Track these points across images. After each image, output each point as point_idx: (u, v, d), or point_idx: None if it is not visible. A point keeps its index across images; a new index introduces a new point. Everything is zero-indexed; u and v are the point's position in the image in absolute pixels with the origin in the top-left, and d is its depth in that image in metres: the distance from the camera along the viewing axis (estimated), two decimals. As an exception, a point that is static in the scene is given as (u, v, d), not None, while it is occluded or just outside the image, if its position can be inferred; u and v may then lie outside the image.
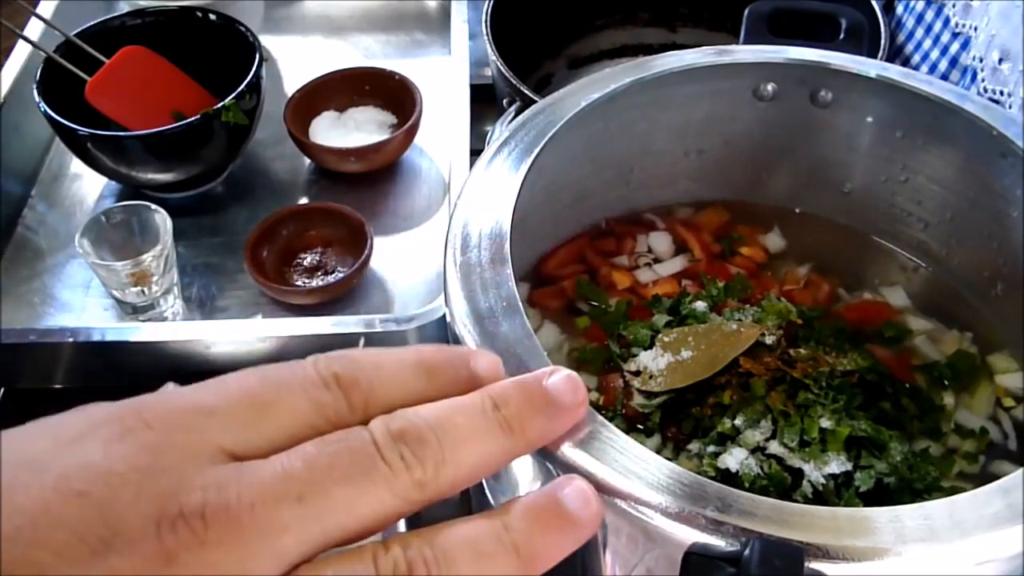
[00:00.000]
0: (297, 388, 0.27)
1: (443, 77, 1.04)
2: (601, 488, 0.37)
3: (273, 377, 0.27)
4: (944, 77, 0.83)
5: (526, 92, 0.81)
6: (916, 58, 0.88)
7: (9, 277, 0.87)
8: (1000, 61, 0.75)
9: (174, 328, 0.79)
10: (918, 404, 0.55)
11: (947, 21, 0.83)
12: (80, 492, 0.23)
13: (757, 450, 0.48)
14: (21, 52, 0.97)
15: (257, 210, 0.92)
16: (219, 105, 0.86)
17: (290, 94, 0.97)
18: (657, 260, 0.65)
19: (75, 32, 0.91)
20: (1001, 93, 0.76)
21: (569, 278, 0.62)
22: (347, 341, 0.76)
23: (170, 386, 0.27)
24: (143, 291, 0.80)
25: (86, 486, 0.23)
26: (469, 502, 0.77)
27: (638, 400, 0.52)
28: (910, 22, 0.89)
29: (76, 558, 0.22)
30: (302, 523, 0.24)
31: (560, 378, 0.31)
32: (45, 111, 0.85)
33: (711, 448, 0.49)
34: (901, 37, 0.91)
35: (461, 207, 0.50)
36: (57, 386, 0.79)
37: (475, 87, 0.96)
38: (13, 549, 0.21)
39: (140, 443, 0.24)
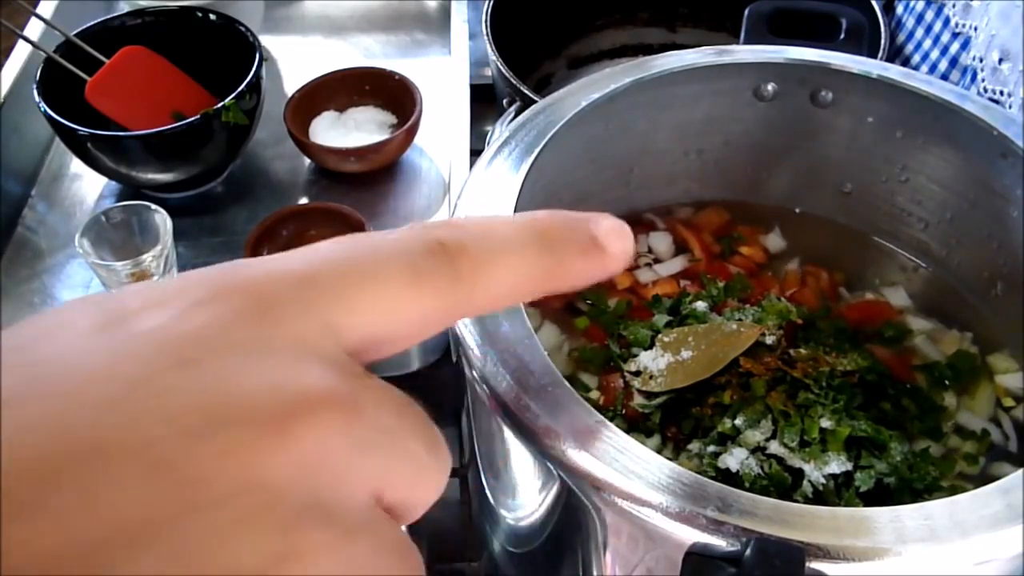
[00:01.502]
0: (398, 254, 0.25)
1: (443, 77, 1.04)
2: (601, 488, 0.37)
3: (371, 243, 0.25)
4: (944, 77, 0.83)
5: (526, 92, 0.81)
6: (916, 58, 0.88)
7: (9, 277, 0.87)
8: (1000, 61, 0.75)
9: (174, 328, 0.79)
10: (918, 404, 0.55)
11: (947, 21, 0.83)
12: (188, 360, 0.20)
13: (757, 450, 0.48)
14: (21, 52, 0.97)
15: (257, 210, 0.92)
16: (219, 105, 0.86)
17: (290, 94, 0.96)
18: (657, 260, 0.65)
19: (75, 32, 0.91)
20: (1001, 93, 0.76)
21: (569, 278, 0.62)
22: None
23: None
24: (143, 291, 0.80)
25: (194, 355, 0.20)
26: (469, 502, 0.77)
27: (638, 400, 0.52)
28: (910, 22, 0.89)
29: (190, 428, 0.19)
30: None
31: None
32: (45, 111, 0.85)
33: (711, 448, 0.49)
34: (901, 37, 0.91)
35: (461, 207, 0.50)
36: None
37: (475, 87, 0.96)
38: (115, 418, 0.19)
39: (248, 315, 0.22)
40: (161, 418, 0.19)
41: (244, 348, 0.21)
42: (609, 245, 0.29)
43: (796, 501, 0.46)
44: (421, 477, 0.23)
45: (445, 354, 0.78)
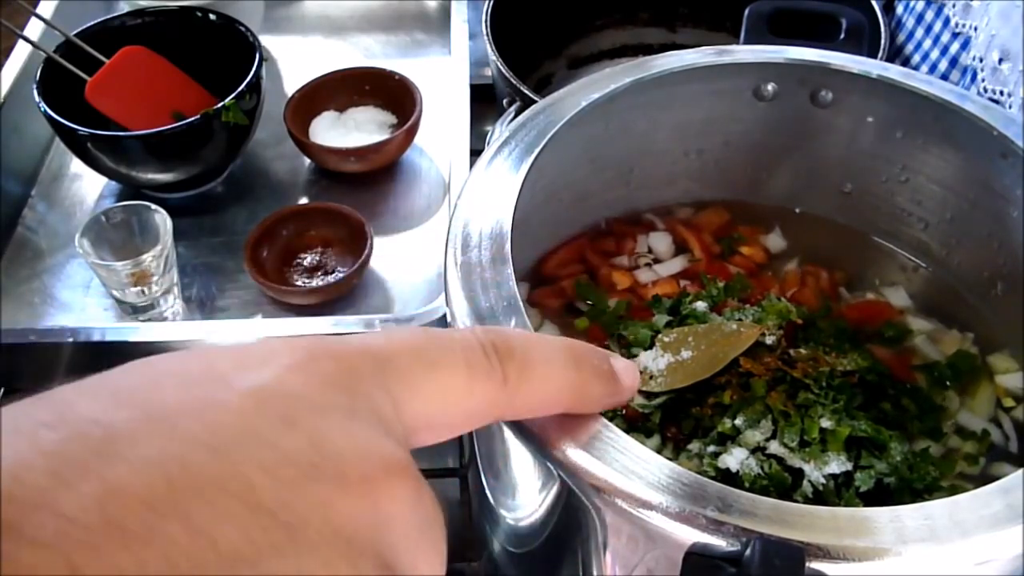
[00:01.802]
0: (458, 350, 0.28)
1: (443, 77, 1.04)
2: (602, 488, 0.37)
3: (437, 338, 0.28)
4: (944, 77, 0.83)
5: (526, 92, 0.81)
6: (916, 58, 0.88)
7: (9, 277, 0.87)
8: (1000, 61, 0.75)
9: (174, 328, 0.79)
10: (918, 404, 0.55)
11: (947, 21, 0.83)
12: (287, 419, 0.22)
13: (757, 450, 0.48)
14: (21, 52, 0.97)
15: (257, 210, 0.92)
16: (219, 105, 0.86)
17: (290, 94, 0.97)
18: (657, 260, 0.65)
19: (75, 32, 0.91)
20: (1001, 93, 0.76)
21: (569, 278, 0.62)
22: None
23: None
24: (143, 291, 0.80)
25: (292, 415, 0.22)
26: (469, 502, 0.77)
27: (638, 400, 0.51)
28: (910, 22, 0.89)
29: (286, 479, 0.21)
30: None
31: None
32: (45, 111, 0.85)
33: (711, 448, 0.49)
34: (901, 37, 0.91)
35: (461, 207, 0.50)
36: (57, 386, 0.79)
37: (475, 87, 0.96)
38: (220, 464, 0.21)
39: (333, 381, 0.24)
40: (263, 467, 0.21)
41: (334, 412, 0.23)
42: (623, 378, 0.35)
43: (796, 501, 0.46)
44: (439, 566, 0.25)
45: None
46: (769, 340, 0.53)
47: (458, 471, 0.78)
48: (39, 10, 0.99)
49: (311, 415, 0.23)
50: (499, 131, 0.74)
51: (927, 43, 0.86)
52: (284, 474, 0.21)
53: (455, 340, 0.28)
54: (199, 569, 0.19)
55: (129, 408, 0.21)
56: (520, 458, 0.42)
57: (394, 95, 0.99)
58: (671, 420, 0.51)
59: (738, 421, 0.49)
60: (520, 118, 0.55)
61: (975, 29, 0.79)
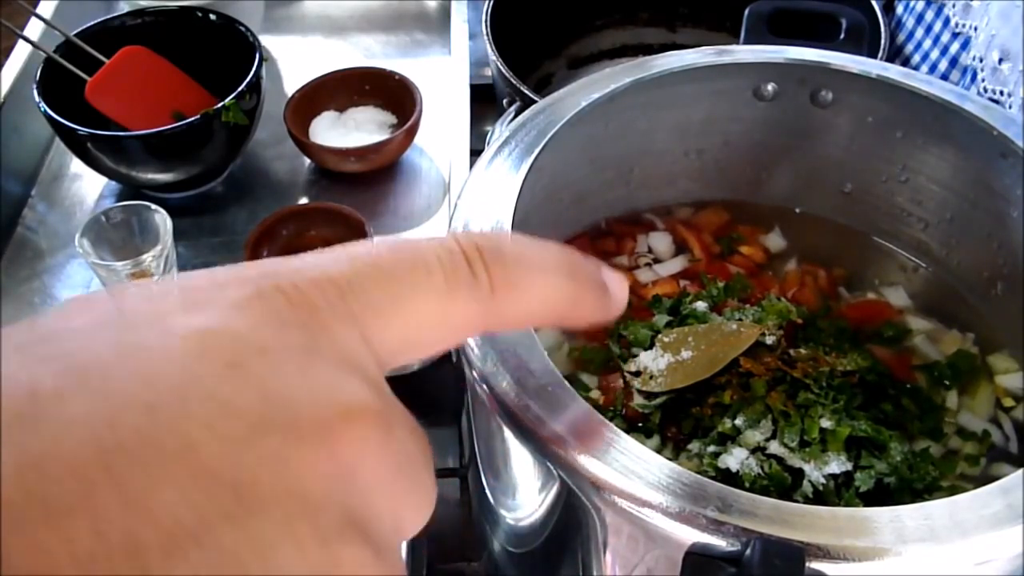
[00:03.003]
0: (434, 262, 0.25)
1: (443, 77, 1.04)
2: (601, 488, 0.37)
3: (409, 250, 0.25)
4: (944, 77, 0.83)
5: (526, 92, 0.81)
6: (916, 58, 0.88)
7: (9, 277, 0.87)
8: (1000, 61, 0.75)
9: (174, 328, 0.79)
10: (918, 404, 0.55)
11: (947, 21, 0.83)
12: (232, 363, 0.20)
13: (757, 450, 0.48)
14: (21, 52, 0.97)
15: (257, 210, 0.92)
16: (219, 105, 0.86)
17: (290, 94, 0.97)
18: (657, 260, 0.65)
19: (75, 32, 0.91)
20: (1001, 93, 0.76)
21: (569, 278, 0.62)
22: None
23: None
24: (143, 291, 0.80)
25: (238, 358, 0.20)
26: (469, 502, 0.77)
27: (638, 400, 0.52)
28: (910, 22, 0.89)
29: (232, 434, 0.19)
30: None
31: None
32: (45, 111, 0.85)
33: (711, 448, 0.49)
34: (901, 37, 0.91)
35: (461, 207, 0.50)
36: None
37: (475, 87, 0.96)
38: (156, 420, 0.18)
39: (285, 318, 0.21)
40: (204, 423, 0.19)
41: (287, 353, 0.21)
42: (615, 291, 0.32)
43: (796, 501, 0.46)
44: (427, 505, 0.23)
45: (445, 354, 0.78)
46: (769, 340, 0.53)
47: (458, 471, 0.78)
48: (39, 10, 0.99)
49: (260, 359, 0.20)
50: (499, 131, 0.74)
51: (927, 43, 0.86)
52: (229, 429, 0.19)
53: (431, 251, 0.25)
54: (136, 545, 0.17)
55: (56, 361, 0.19)
56: (520, 458, 0.42)
57: (394, 95, 0.99)
58: (671, 420, 0.51)
59: (738, 421, 0.49)
60: (520, 118, 0.55)
61: (975, 29, 0.79)
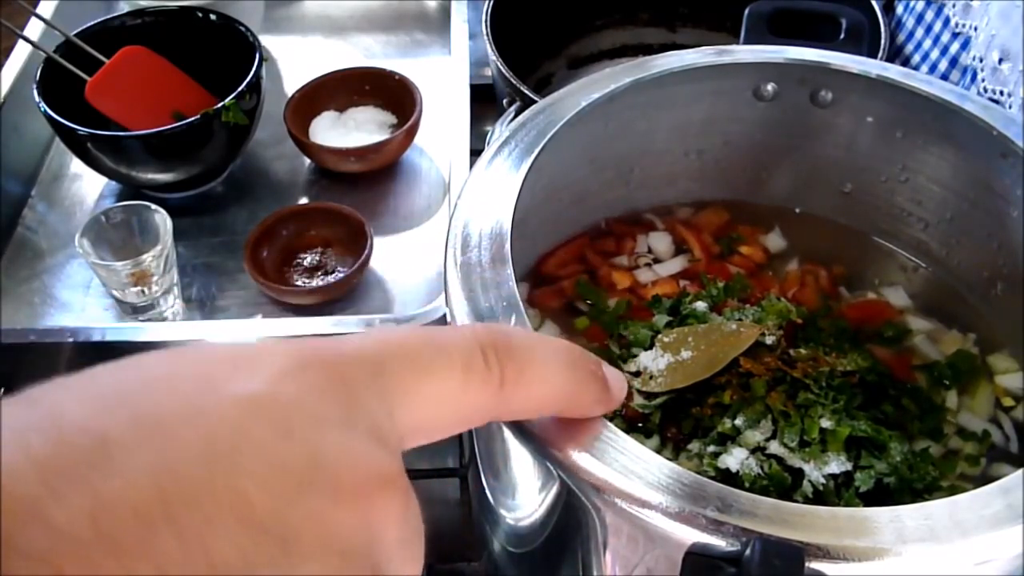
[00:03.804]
0: (455, 353, 0.28)
1: (443, 77, 1.04)
2: (601, 488, 0.37)
3: (434, 339, 0.28)
4: (944, 77, 0.83)
5: (526, 92, 0.81)
6: (916, 58, 0.88)
7: (9, 277, 0.87)
8: (1000, 61, 0.75)
9: (174, 328, 0.79)
10: (919, 404, 0.55)
11: (947, 21, 0.83)
12: (282, 430, 0.22)
13: (757, 450, 0.48)
14: (21, 52, 0.97)
15: (257, 210, 0.92)
16: (219, 105, 0.86)
17: (290, 94, 0.97)
18: (657, 260, 0.65)
19: (75, 32, 0.91)
20: (1001, 93, 0.76)
21: (569, 278, 0.62)
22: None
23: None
24: (143, 291, 0.80)
25: (288, 425, 0.22)
26: (469, 502, 0.77)
27: (638, 400, 0.51)
28: (910, 22, 0.89)
29: (280, 491, 0.21)
30: None
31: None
32: (45, 111, 0.85)
33: (711, 448, 0.49)
34: (901, 37, 0.91)
35: (461, 207, 0.50)
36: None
37: (475, 87, 0.96)
38: (214, 475, 0.20)
39: (326, 389, 0.24)
40: (257, 479, 0.21)
41: (330, 422, 0.23)
42: (614, 387, 0.35)
43: (796, 501, 0.46)
44: (420, 569, 0.25)
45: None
46: (769, 340, 0.53)
47: (458, 471, 0.78)
48: (39, 10, 0.99)
49: (306, 425, 0.23)
50: (499, 131, 0.74)
51: (927, 43, 0.86)
52: (278, 486, 0.21)
53: (453, 341, 0.28)
54: None
55: (120, 414, 0.21)
56: (520, 458, 0.42)
57: (394, 95, 0.99)
58: (671, 420, 0.51)
59: (738, 421, 0.49)
60: (520, 118, 0.55)
61: (975, 29, 0.79)
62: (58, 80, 0.88)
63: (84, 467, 0.19)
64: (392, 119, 0.99)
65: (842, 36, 0.68)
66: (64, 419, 0.20)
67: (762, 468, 0.47)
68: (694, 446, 0.50)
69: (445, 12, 1.12)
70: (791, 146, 0.65)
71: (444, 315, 0.47)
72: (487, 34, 0.88)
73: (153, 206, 0.81)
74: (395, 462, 0.24)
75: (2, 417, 0.20)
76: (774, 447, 0.48)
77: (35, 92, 0.86)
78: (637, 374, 0.52)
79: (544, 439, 0.38)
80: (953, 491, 0.49)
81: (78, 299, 0.86)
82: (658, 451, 0.48)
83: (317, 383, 0.24)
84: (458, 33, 1.01)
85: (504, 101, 0.85)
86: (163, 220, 0.80)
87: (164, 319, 0.83)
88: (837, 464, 0.47)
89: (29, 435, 0.19)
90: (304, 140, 0.93)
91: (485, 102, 0.96)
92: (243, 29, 0.93)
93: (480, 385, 0.28)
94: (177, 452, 0.20)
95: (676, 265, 0.64)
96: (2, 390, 0.80)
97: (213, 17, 0.95)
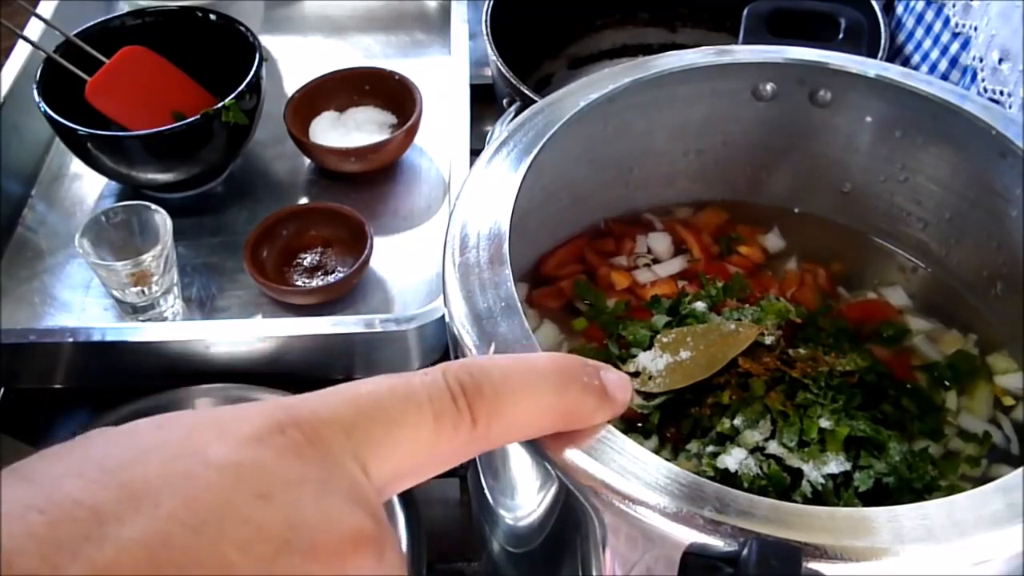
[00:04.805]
0: (424, 401, 0.29)
1: (443, 77, 1.04)
2: (600, 489, 0.37)
3: (402, 389, 0.29)
4: (944, 77, 0.83)
5: (526, 92, 0.81)
6: (916, 58, 0.88)
7: (9, 277, 0.87)
8: (1000, 61, 0.75)
9: (174, 328, 0.79)
10: (918, 404, 0.55)
11: (947, 21, 0.83)
12: (262, 495, 0.23)
13: (756, 450, 0.48)
14: (21, 52, 0.97)
15: (257, 210, 0.93)
16: (219, 105, 0.86)
17: (290, 94, 0.97)
18: (656, 260, 0.65)
19: (75, 32, 0.91)
20: (1001, 93, 0.76)
21: (568, 278, 0.62)
22: (347, 341, 0.76)
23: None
24: (143, 291, 0.80)
25: (267, 490, 0.24)
26: (469, 502, 0.77)
27: (637, 401, 0.51)
28: (910, 22, 0.89)
29: (261, 555, 0.23)
30: None
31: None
32: (45, 111, 0.85)
33: (710, 448, 0.49)
34: (901, 37, 0.91)
35: (460, 207, 0.50)
36: (57, 386, 0.79)
37: (475, 87, 0.96)
38: (200, 542, 0.22)
39: (302, 453, 0.25)
40: (238, 544, 0.22)
41: (307, 485, 0.25)
42: (615, 393, 0.35)
43: (795, 501, 0.46)
44: None
45: (444, 354, 0.78)
46: (768, 340, 0.53)
47: (458, 471, 0.78)
48: (39, 10, 0.99)
49: (284, 490, 0.24)
50: (499, 131, 0.74)
51: (927, 43, 0.86)
52: (258, 550, 0.23)
53: (420, 390, 0.29)
54: None
55: (113, 487, 0.22)
56: (519, 459, 0.42)
57: (394, 95, 0.99)
58: (670, 420, 0.51)
59: (737, 421, 0.49)
60: (520, 118, 0.55)
61: (975, 29, 0.79)
62: (58, 80, 0.88)
63: (80, 540, 0.21)
64: (392, 119, 0.99)
65: (841, 36, 0.68)
66: (60, 494, 0.22)
67: (761, 468, 0.47)
68: (693, 446, 0.50)
69: (445, 12, 1.12)
70: (790, 146, 0.65)
71: (443, 315, 0.47)
72: (487, 34, 0.88)
73: (153, 206, 0.81)
74: (369, 519, 0.25)
75: (2, 498, 0.21)
76: (773, 447, 0.48)
77: (35, 92, 0.86)
78: (636, 374, 0.52)
79: (543, 440, 0.38)
80: (952, 491, 0.49)
81: (78, 299, 0.86)
82: (657, 451, 0.49)
83: (294, 447, 0.25)
84: (458, 33, 1.02)
85: (504, 101, 0.85)
86: (163, 220, 0.80)
87: (164, 319, 0.83)
88: (836, 464, 0.47)
89: (28, 512, 0.21)
90: (304, 140, 0.93)
91: (485, 102, 0.96)
92: (243, 29, 0.93)
93: (452, 429, 0.29)
94: (166, 521, 0.22)
95: (675, 265, 0.64)
96: (2, 390, 0.80)
97: (213, 17, 0.95)
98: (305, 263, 0.87)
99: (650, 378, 0.51)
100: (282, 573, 0.23)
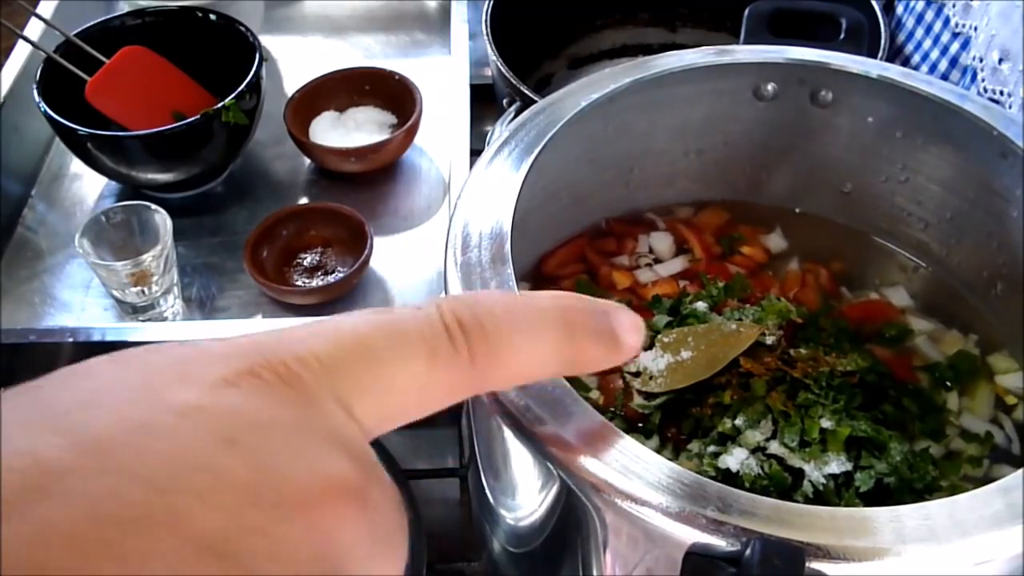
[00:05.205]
0: (415, 337, 0.26)
1: (443, 77, 1.04)
2: (601, 488, 0.37)
3: (391, 325, 0.26)
4: (944, 77, 0.83)
5: (526, 92, 0.81)
6: (916, 58, 0.88)
7: (9, 277, 0.87)
8: (1000, 61, 0.75)
9: (174, 328, 0.79)
10: (919, 404, 0.55)
11: (947, 21, 0.83)
12: (226, 439, 0.21)
13: (757, 450, 0.48)
14: (21, 52, 0.97)
15: (257, 210, 0.92)
16: (219, 105, 0.86)
17: (290, 94, 0.97)
18: (657, 260, 0.65)
19: (75, 32, 0.91)
20: (1001, 93, 0.76)
21: (569, 278, 0.62)
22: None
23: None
24: (143, 291, 0.80)
25: (232, 434, 0.21)
26: (469, 502, 0.77)
27: (638, 401, 0.52)
28: (910, 22, 0.89)
29: (223, 506, 0.20)
30: None
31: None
32: (45, 111, 0.85)
33: (711, 448, 0.49)
34: (901, 37, 0.91)
35: (461, 207, 0.50)
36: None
37: (475, 87, 0.96)
38: (153, 494, 0.20)
39: (275, 395, 0.23)
40: (199, 495, 0.20)
41: (277, 430, 0.22)
42: (626, 339, 0.31)
43: (796, 501, 0.46)
44: (400, 558, 0.24)
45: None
46: (769, 340, 0.53)
47: (458, 471, 0.78)
48: (39, 10, 0.99)
49: (251, 434, 0.21)
50: (499, 131, 0.74)
51: (927, 43, 0.86)
52: (221, 501, 0.20)
53: (412, 325, 0.26)
54: None
55: (58, 434, 0.20)
56: (520, 458, 0.42)
57: (394, 95, 0.99)
58: (671, 420, 0.51)
59: (738, 421, 0.49)
60: (520, 118, 0.55)
61: (975, 29, 0.79)
62: (58, 80, 0.88)
63: (18, 494, 0.19)
64: (392, 119, 0.99)
65: (842, 36, 0.68)
66: (3, 445, 0.19)
67: (762, 468, 0.47)
68: (694, 446, 0.50)
69: (445, 12, 1.12)
70: (791, 146, 0.65)
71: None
72: (487, 34, 0.88)
73: (153, 206, 0.81)
74: (349, 463, 0.23)
75: None
76: (774, 447, 0.48)
77: (35, 92, 0.86)
78: (637, 374, 0.52)
79: (544, 439, 0.38)
80: (953, 491, 0.49)
81: (78, 299, 0.86)
82: (658, 451, 0.48)
83: (265, 388, 0.23)
84: (458, 33, 1.01)
85: (504, 101, 0.85)
86: (163, 220, 0.80)
87: (164, 319, 0.83)
88: (837, 464, 0.47)
89: None
90: (304, 140, 0.93)
91: (485, 102, 0.96)
92: (243, 29, 0.93)
93: (447, 368, 0.26)
94: (116, 474, 0.20)
95: (676, 265, 0.64)
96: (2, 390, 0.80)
97: (213, 17, 0.95)
98: (305, 263, 0.87)
99: (651, 378, 0.51)
100: (246, 526, 0.20)
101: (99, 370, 0.23)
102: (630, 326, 0.31)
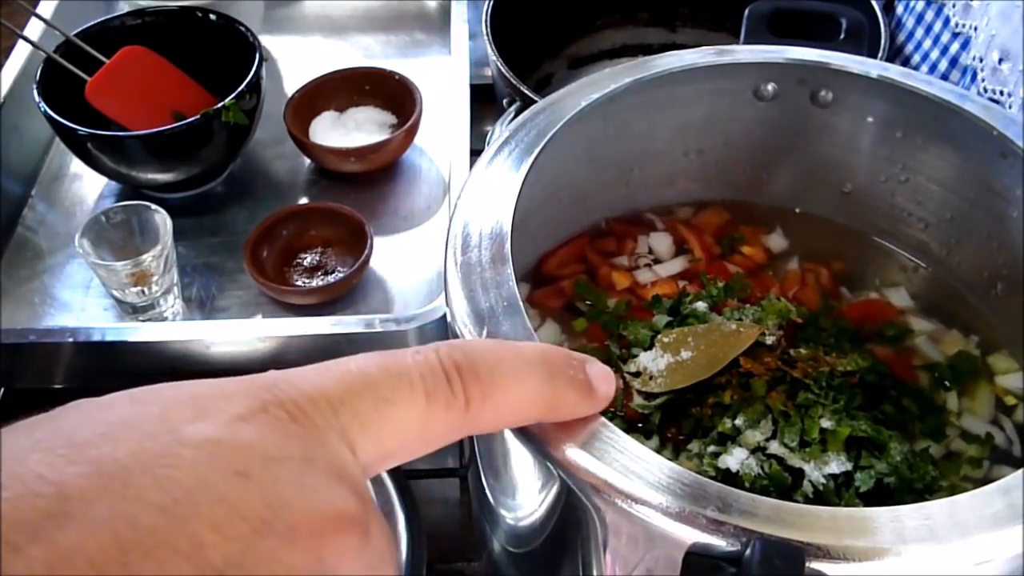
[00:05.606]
0: (416, 380, 0.28)
1: (443, 77, 1.04)
2: (601, 488, 0.37)
3: (394, 366, 0.28)
4: (944, 77, 0.83)
5: (526, 92, 0.81)
6: (916, 58, 0.88)
7: (9, 277, 0.87)
8: (1000, 61, 0.75)
9: (174, 328, 0.79)
10: (919, 404, 0.55)
11: (947, 21, 0.83)
12: (240, 472, 0.22)
13: (757, 450, 0.48)
14: (21, 52, 0.97)
15: (257, 210, 0.93)
16: (219, 105, 0.86)
17: (290, 94, 0.97)
18: (657, 260, 0.65)
19: (75, 32, 0.91)
20: (1001, 93, 0.76)
21: (569, 278, 0.62)
22: (347, 341, 0.76)
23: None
24: (143, 291, 0.80)
25: (245, 467, 0.23)
26: (469, 502, 0.77)
27: (638, 401, 0.51)
28: (910, 22, 0.89)
29: (236, 535, 0.22)
30: None
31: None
32: (45, 111, 0.85)
33: (711, 448, 0.49)
34: (901, 37, 0.91)
35: (461, 207, 0.50)
36: (57, 386, 0.79)
37: (475, 87, 0.96)
38: (170, 522, 0.21)
39: (286, 431, 0.24)
40: (213, 524, 0.21)
41: (288, 463, 0.24)
42: (599, 387, 0.35)
43: (796, 501, 0.46)
44: None
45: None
46: (769, 340, 0.53)
47: (458, 471, 0.78)
48: (39, 10, 0.99)
49: (264, 467, 0.23)
50: (499, 131, 0.74)
51: (927, 43, 0.86)
52: (234, 530, 0.22)
53: (413, 368, 0.28)
54: None
55: (81, 464, 0.21)
56: (520, 458, 0.42)
57: (394, 95, 0.99)
58: (671, 420, 0.51)
59: (738, 421, 0.49)
60: (520, 118, 0.55)
61: (975, 29, 0.79)
62: (58, 80, 0.88)
63: (43, 519, 0.20)
64: (392, 119, 0.99)
65: (842, 36, 0.68)
66: (25, 469, 0.21)
67: (762, 468, 0.47)
68: (694, 446, 0.50)
69: (445, 12, 1.12)
70: (791, 146, 0.65)
71: (444, 315, 0.47)
72: (487, 34, 0.88)
73: (153, 206, 0.81)
74: (353, 499, 0.25)
75: None
76: (774, 447, 0.48)
77: (35, 92, 0.86)
78: (637, 374, 0.52)
79: (544, 439, 0.38)
80: (953, 491, 0.49)
81: (78, 299, 0.86)
82: (658, 451, 0.48)
83: (276, 424, 0.24)
84: (458, 33, 1.01)
85: (504, 101, 0.85)
86: (163, 220, 0.80)
87: (164, 319, 0.83)
88: (837, 464, 0.47)
89: None
90: (304, 140, 0.93)
91: (485, 102, 0.96)
92: (243, 29, 0.93)
93: (445, 410, 0.28)
94: (134, 502, 0.21)
95: (676, 265, 0.64)
96: (2, 390, 0.80)
97: (213, 17, 0.95)
98: (305, 263, 0.87)
99: (651, 378, 0.51)
100: (258, 555, 0.22)
101: (118, 404, 0.24)
102: (602, 376, 0.35)
